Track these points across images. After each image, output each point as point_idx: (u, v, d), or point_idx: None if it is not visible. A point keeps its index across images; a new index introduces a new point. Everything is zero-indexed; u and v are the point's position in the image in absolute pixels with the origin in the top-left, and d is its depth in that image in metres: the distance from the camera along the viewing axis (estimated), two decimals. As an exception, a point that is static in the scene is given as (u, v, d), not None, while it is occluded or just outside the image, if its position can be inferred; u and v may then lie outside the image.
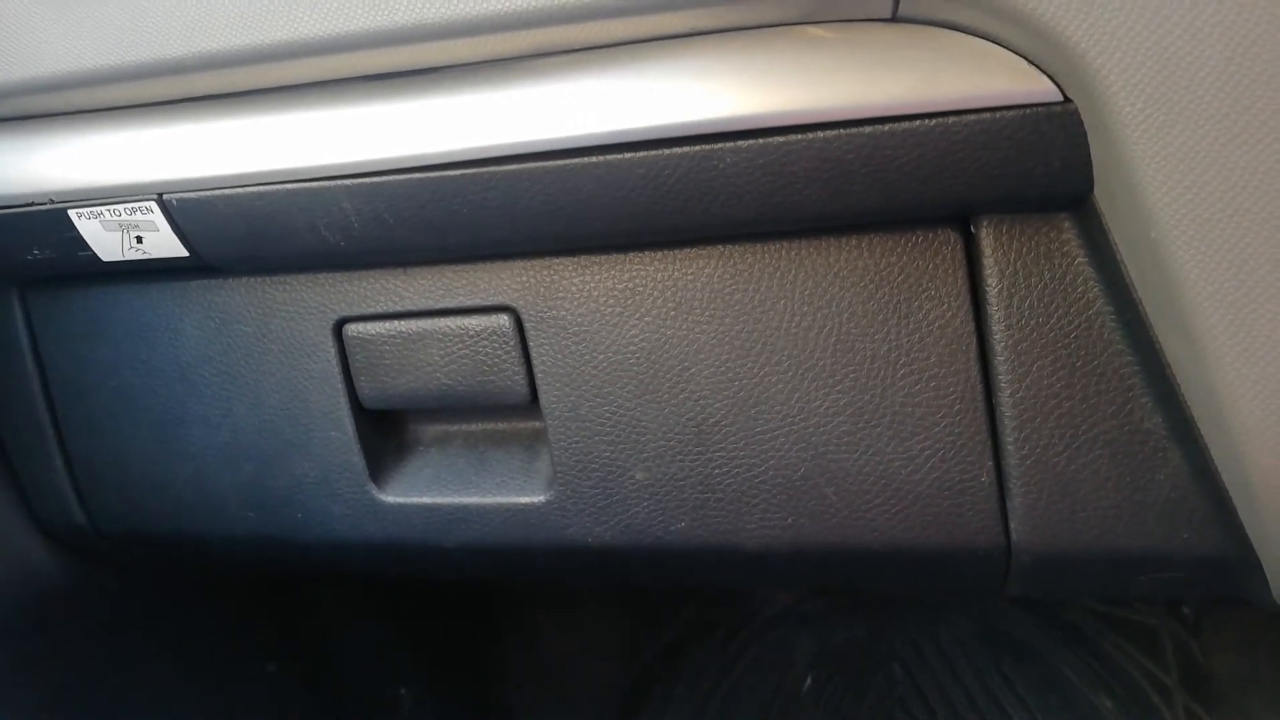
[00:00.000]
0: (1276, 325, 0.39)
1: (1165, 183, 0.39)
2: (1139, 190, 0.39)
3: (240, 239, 0.56)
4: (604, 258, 0.55)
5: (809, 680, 1.17)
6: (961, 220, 0.49)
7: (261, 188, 0.53)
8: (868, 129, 0.43)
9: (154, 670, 0.83)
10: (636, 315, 0.55)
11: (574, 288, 0.55)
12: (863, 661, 1.17)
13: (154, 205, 0.56)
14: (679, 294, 0.54)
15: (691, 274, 0.53)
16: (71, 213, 0.57)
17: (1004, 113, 0.41)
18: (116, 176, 0.55)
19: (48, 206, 0.57)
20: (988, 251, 0.48)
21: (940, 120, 0.42)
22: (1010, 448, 0.50)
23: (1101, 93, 0.39)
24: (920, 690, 1.14)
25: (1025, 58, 0.41)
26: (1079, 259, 0.47)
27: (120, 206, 0.56)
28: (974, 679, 1.14)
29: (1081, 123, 0.41)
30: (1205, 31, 0.37)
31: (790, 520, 0.55)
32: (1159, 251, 0.40)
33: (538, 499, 0.60)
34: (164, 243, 0.57)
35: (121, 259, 0.59)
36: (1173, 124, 0.38)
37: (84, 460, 0.70)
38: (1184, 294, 0.40)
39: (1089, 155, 0.42)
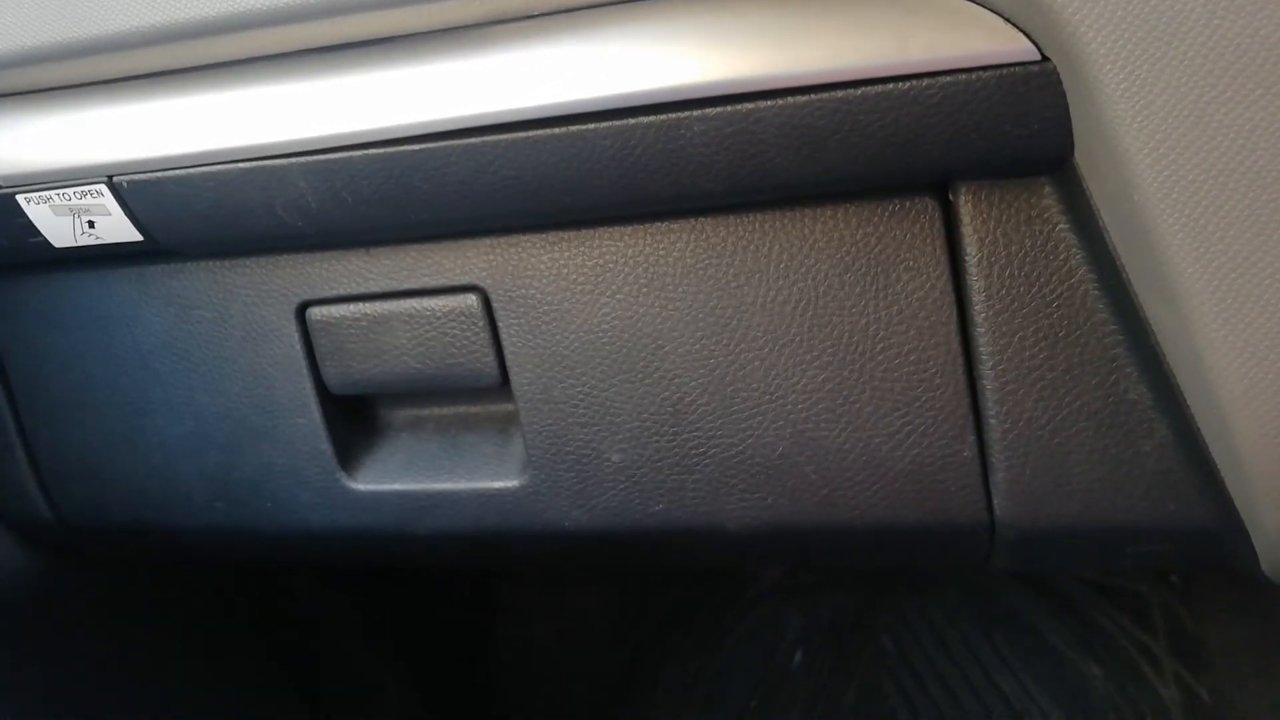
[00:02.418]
0: (1262, 289, 0.38)
1: (1148, 143, 0.37)
2: (1120, 151, 0.38)
3: (195, 221, 0.54)
4: (573, 233, 0.53)
5: (799, 655, 1.17)
6: (939, 187, 0.47)
7: (214, 167, 0.51)
8: (839, 93, 0.41)
9: (128, 666, 0.82)
10: (608, 293, 0.53)
11: (543, 265, 0.54)
12: (852, 635, 1.17)
13: (104, 188, 0.54)
14: (651, 270, 0.52)
15: (664, 249, 0.52)
16: (19, 197, 0.55)
17: (980, 73, 0.40)
18: (64, 159, 0.53)
19: (-7, 191, 0.55)
20: (966, 219, 0.46)
21: (914, 83, 0.40)
22: (992, 421, 0.49)
23: (1080, 50, 0.37)
24: (910, 663, 1.14)
25: (1001, 15, 0.39)
26: (1060, 225, 0.45)
27: (69, 190, 0.54)
28: (963, 650, 1.13)
29: (1060, 82, 0.39)
30: (1188, -17, 0.36)
31: (770, 500, 0.54)
32: (1141, 215, 0.39)
33: (512, 484, 0.58)
34: (117, 227, 0.56)
35: (74, 244, 0.57)
36: (1154, 81, 0.37)
37: (47, 453, 0.69)
38: (1167, 258, 0.39)
39: (1068, 116, 0.40)
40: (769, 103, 0.42)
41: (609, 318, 0.53)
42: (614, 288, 0.53)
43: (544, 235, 0.53)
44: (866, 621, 1.17)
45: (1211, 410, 0.42)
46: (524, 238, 0.54)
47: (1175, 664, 1.08)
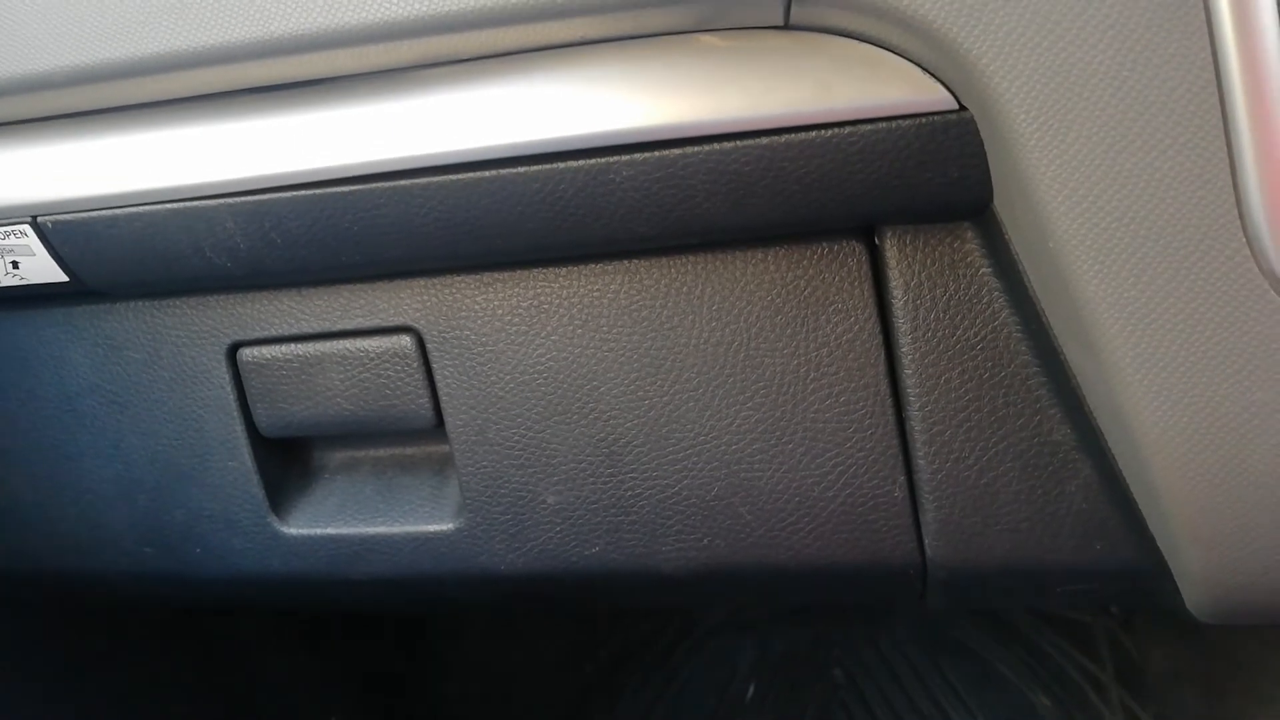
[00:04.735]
0: (1175, 335, 0.39)
1: (1061, 192, 0.38)
2: (1035, 199, 0.39)
3: (122, 262, 0.53)
4: (507, 274, 0.53)
5: (751, 689, 1.16)
6: (865, 232, 0.48)
7: (140, 208, 0.50)
8: (764, 140, 0.42)
9: (59, 708, 0.79)
10: (543, 333, 0.53)
11: (477, 306, 0.54)
12: (804, 668, 1.17)
13: (28, 228, 0.53)
14: (585, 311, 0.52)
15: (598, 290, 0.52)
16: (-61, 238, 0.54)
17: (900, 122, 0.40)
18: (-14, 199, 0.52)
19: (-88, 232, 0.54)
20: (892, 263, 0.47)
21: (836, 131, 0.41)
22: (921, 462, 0.49)
23: (995, 101, 0.38)
24: (861, 694, 1.14)
25: (920, 65, 0.40)
26: (983, 269, 0.46)
27: (-8, 231, 0.53)
28: (914, 680, 1.14)
29: (978, 131, 0.40)
30: (1095, 37, 0.36)
31: (706, 540, 0.54)
32: (1057, 261, 0.39)
33: (447, 527, 0.57)
34: (42, 268, 0.54)
35: (-2, 285, 0.56)
36: (1066, 131, 0.37)
37: None
38: (1083, 304, 0.39)
39: (987, 164, 0.41)
40: (696, 149, 0.43)
41: (544, 358, 0.53)
42: (549, 328, 0.53)
43: (478, 276, 0.53)
44: (818, 654, 1.17)
45: (1131, 453, 0.42)
46: (458, 278, 0.54)
47: (1120, 691, 1.09)
